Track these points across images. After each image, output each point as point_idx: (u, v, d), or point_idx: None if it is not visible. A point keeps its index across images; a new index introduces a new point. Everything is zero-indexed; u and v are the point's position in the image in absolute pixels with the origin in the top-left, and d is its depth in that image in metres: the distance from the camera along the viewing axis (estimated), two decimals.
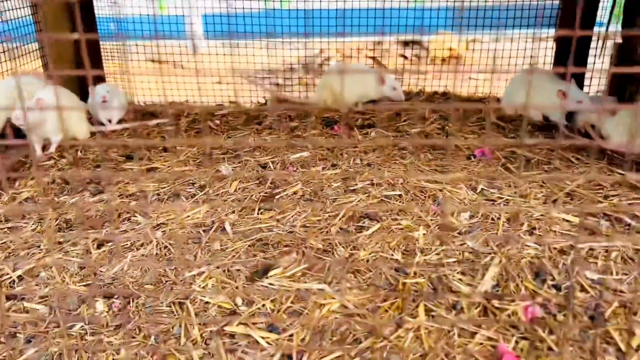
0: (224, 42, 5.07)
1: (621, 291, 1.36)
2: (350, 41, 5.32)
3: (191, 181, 2.23)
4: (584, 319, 1.29)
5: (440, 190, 1.96)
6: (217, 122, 3.05)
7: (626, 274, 1.43)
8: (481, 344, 1.24)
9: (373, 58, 5.46)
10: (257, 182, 2.14)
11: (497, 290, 1.40)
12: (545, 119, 2.78)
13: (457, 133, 2.74)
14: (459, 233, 1.66)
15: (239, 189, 2.10)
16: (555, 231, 1.64)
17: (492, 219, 1.73)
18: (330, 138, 2.71)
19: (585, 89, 3.22)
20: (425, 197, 1.92)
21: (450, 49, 5.75)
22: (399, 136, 2.73)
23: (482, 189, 1.97)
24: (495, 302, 1.34)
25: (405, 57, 5.89)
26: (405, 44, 5.95)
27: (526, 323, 1.28)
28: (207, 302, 1.44)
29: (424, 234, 1.66)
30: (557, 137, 2.57)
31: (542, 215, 1.74)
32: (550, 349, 1.21)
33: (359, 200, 1.89)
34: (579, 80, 3.10)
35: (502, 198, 1.88)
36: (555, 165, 2.20)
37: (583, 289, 1.38)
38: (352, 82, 3.09)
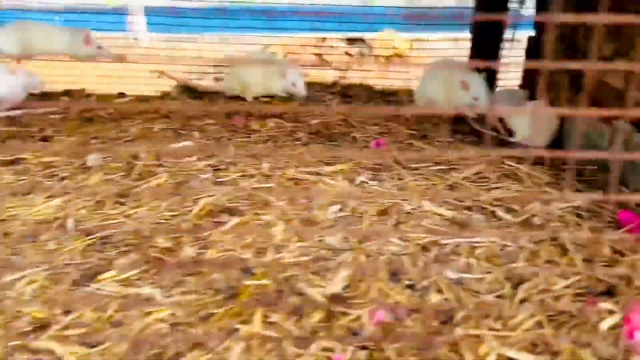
0: (167, 36, 4.83)
1: (478, 292, 1.25)
2: (293, 38, 5.12)
3: (54, 173, 2.01)
4: (433, 324, 1.16)
5: (315, 183, 1.81)
6: (112, 111, 2.82)
7: (489, 272, 1.32)
8: (317, 354, 1.09)
9: (318, 55, 5.34)
10: (123, 174, 1.94)
11: (348, 292, 1.26)
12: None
13: (359, 124, 2.62)
14: (321, 228, 1.51)
15: (103, 180, 1.90)
16: (423, 226, 1.52)
17: (360, 213, 1.60)
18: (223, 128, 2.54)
19: (502, 82, 3.16)
20: (298, 189, 1.77)
21: (394, 48, 5.67)
22: (298, 127, 2.58)
23: (362, 182, 1.84)
24: (340, 306, 1.20)
25: (350, 55, 5.78)
26: (350, 41, 5.83)
27: (372, 329, 1.15)
28: (19, 311, 1.24)
29: (283, 229, 1.50)
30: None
31: (414, 208, 1.62)
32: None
33: (224, 194, 1.72)
34: (491, 74, 3.04)
35: (380, 191, 1.76)
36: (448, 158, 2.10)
37: (440, 290, 1.26)
38: (258, 73, 2.97)
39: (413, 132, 2.48)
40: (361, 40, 5.75)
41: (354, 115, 2.72)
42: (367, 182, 1.85)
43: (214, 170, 1.92)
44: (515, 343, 1.08)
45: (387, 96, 3.37)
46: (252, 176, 1.85)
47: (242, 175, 1.85)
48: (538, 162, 2.07)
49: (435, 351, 1.09)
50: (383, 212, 1.60)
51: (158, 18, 4.93)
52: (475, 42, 3.14)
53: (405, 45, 5.53)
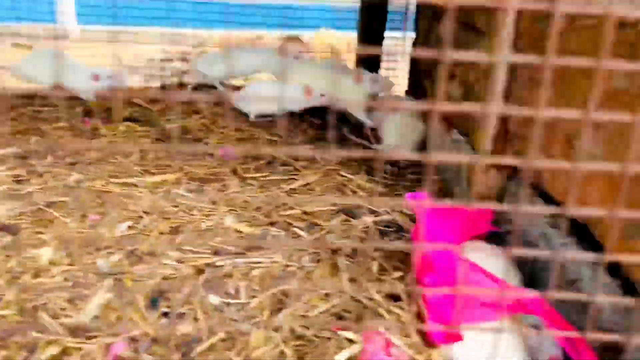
0: (101, 28, 4.49)
1: (235, 320, 1.17)
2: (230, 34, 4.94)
3: None
4: (174, 356, 1.08)
5: (129, 196, 1.70)
6: None
7: (255, 296, 1.24)
8: None
9: None
10: None
11: (95, 323, 1.16)
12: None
13: (218, 129, 2.51)
14: (98, 249, 1.40)
15: None
16: (212, 245, 1.43)
17: (150, 231, 1.50)
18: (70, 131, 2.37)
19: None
20: (98, 203, 1.65)
21: (331, 46, 5.57)
22: (149, 133, 2.44)
23: (177, 194, 1.74)
24: (80, 339, 1.10)
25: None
26: (286, 39, 5.70)
27: None
28: None
29: (54, 250, 1.38)
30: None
31: (212, 225, 1.53)
32: None
33: (9, 209, 1.57)
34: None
35: (188, 205, 1.66)
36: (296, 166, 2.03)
37: (196, 318, 1.18)
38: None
39: (275, 138, 2.41)
40: (297, 38, 5.64)
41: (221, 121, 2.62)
42: (183, 195, 1.75)
43: (15, 181, 1.76)
44: None
45: None
46: (54, 188, 1.71)
47: (41, 188, 1.71)
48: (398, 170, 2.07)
49: None
50: (175, 230, 1.51)
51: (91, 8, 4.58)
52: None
53: (343, 43, 5.48)
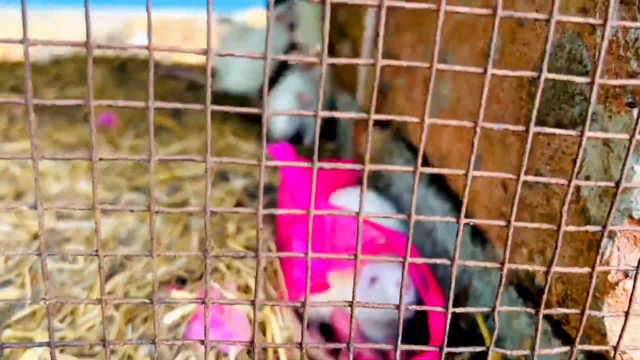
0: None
1: (63, 284, 1.06)
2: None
3: None
4: None
5: None
6: None
7: (93, 261, 1.13)
8: None
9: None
10: None
11: None
12: None
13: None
14: None
15: None
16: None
17: None
18: None
19: None
20: None
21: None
22: None
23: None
24: None
25: None
26: (221, 21, 5.46)
27: None
28: None
29: None
30: None
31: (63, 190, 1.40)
32: None
33: None
34: None
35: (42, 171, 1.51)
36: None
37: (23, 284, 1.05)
38: None
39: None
40: (228, 20, 5.41)
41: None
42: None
43: None
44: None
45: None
46: None
47: None
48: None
49: None
50: (20, 194, 1.36)
51: None
52: None
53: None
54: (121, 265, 1.11)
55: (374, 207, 1.18)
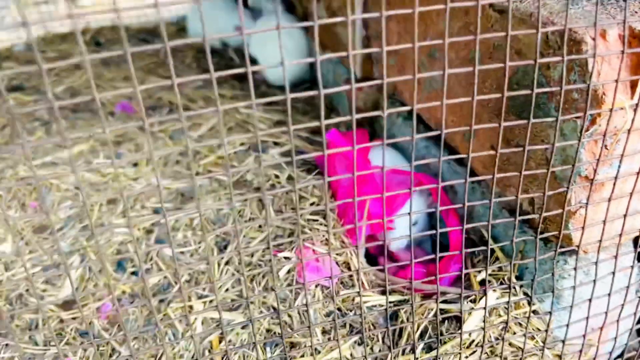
0: None
1: (190, 263, 1.46)
2: None
3: None
4: (153, 302, 1.36)
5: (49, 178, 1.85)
6: None
7: (201, 241, 1.53)
8: None
9: None
10: None
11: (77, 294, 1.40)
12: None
13: (108, 84, 2.59)
14: (51, 233, 1.60)
15: None
16: (148, 207, 1.68)
17: (92, 205, 1.70)
18: None
19: None
20: (29, 190, 1.80)
21: None
22: (37, 100, 2.49)
23: (98, 164, 1.91)
24: (71, 310, 1.35)
25: None
26: None
27: (101, 323, 1.32)
28: None
29: (13, 242, 1.57)
30: None
31: (145, 186, 1.76)
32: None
33: None
34: None
35: (114, 173, 1.86)
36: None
37: (160, 269, 1.45)
38: None
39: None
40: None
41: (107, 73, 2.70)
42: (102, 163, 1.93)
43: None
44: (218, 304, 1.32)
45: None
46: None
47: None
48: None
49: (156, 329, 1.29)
50: (112, 200, 1.72)
51: None
52: None
53: None
54: (223, 241, 1.51)
55: (398, 159, 1.62)
